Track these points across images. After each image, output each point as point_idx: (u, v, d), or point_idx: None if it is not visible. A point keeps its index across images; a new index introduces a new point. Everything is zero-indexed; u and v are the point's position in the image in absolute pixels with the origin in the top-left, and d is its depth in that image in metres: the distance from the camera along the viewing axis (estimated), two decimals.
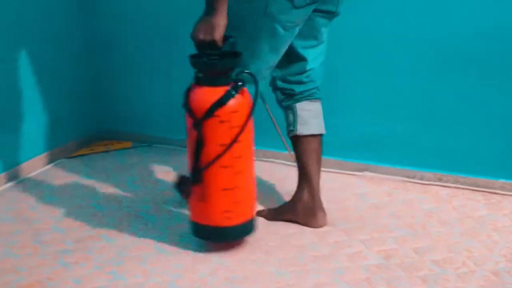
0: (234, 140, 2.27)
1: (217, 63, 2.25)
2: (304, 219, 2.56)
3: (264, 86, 2.48)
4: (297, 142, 2.57)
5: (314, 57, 2.52)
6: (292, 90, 2.55)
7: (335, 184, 2.87)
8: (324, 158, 2.96)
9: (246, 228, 2.40)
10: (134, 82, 3.26)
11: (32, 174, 3.00)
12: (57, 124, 2.93)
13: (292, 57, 2.49)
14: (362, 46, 2.85)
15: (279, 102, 2.60)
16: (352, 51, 2.86)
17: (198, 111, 2.26)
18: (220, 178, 2.30)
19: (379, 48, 2.83)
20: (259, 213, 2.60)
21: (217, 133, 2.27)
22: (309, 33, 2.47)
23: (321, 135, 2.58)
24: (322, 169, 2.96)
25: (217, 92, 2.26)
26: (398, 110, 2.88)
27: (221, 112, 2.25)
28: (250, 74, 2.30)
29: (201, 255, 2.39)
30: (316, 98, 2.58)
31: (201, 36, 2.21)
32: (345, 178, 2.92)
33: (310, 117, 2.56)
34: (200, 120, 2.26)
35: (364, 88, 2.90)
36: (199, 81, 2.30)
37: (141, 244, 2.47)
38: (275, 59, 2.42)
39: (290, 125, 2.57)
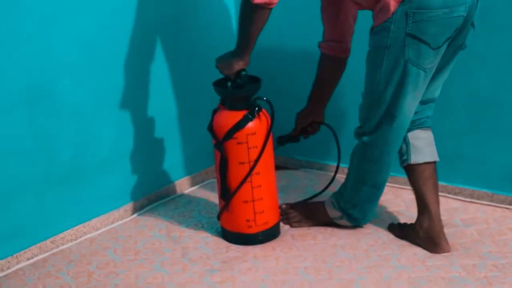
0: (257, 159, 2.53)
1: (235, 90, 2.52)
2: (426, 246, 2.55)
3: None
4: (411, 171, 2.57)
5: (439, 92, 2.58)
6: None
7: (487, 217, 2.76)
8: (473, 189, 2.87)
9: (267, 235, 2.63)
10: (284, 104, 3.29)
11: (184, 192, 3.09)
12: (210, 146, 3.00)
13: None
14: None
15: None
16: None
17: (219, 133, 2.53)
18: (241, 192, 2.55)
19: None
20: (389, 227, 2.68)
21: (236, 153, 2.53)
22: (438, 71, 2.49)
23: (435, 162, 2.57)
24: (473, 200, 2.87)
25: (236, 116, 2.52)
26: None
27: (238, 134, 2.49)
28: (267, 100, 2.53)
29: (345, 284, 2.37)
30: (427, 127, 2.59)
31: (220, 67, 2.52)
32: (496, 212, 2.80)
33: (423, 146, 2.56)
34: (221, 142, 2.51)
35: None
36: (222, 105, 2.57)
37: (286, 267, 2.48)
38: (418, 100, 2.47)
39: (404, 155, 2.57)
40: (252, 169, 2.55)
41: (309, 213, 2.74)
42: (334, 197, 2.69)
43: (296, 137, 2.86)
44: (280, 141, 2.87)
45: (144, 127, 2.90)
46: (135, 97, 2.84)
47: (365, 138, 2.53)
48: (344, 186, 2.67)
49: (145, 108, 2.89)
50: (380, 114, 2.46)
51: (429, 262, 2.47)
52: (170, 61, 2.95)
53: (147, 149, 2.93)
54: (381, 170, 2.57)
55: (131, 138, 2.87)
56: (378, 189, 2.62)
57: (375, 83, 2.44)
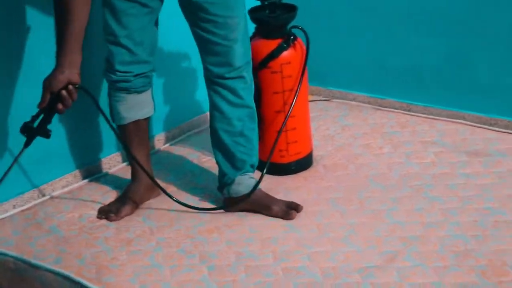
0: (297, 90, 2.51)
1: (269, 18, 2.50)
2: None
3: None
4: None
5: None
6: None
7: None
8: (509, 119, 2.81)
9: (299, 165, 2.63)
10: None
11: None
12: None
13: None
14: None
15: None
16: None
17: (254, 62, 2.45)
18: (274, 122, 2.55)
19: None
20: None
21: (271, 82, 2.52)
22: None
23: None
24: (509, 131, 2.84)
25: (270, 45, 2.50)
26: None
27: (273, 63, 2.48)
28: (302, 29, 2.48)
29: (377, 214, 2.37)
30: None
31: None
32: None
33: None
34: (255, 70, 2.46)
35: None
36: (257, 34, 2.54)
37: (318, 198, 2.48)
38: None
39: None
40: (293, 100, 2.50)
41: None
42: (248, 170, 2.44)
43: (47, 122, 2.11)
44: (25, 131, 2.11)
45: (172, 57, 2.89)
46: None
47: (249, 77, 2.36)
48: (250, 146, 2.43)
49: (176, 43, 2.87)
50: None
51: (462, 193, 2.44)
52: None
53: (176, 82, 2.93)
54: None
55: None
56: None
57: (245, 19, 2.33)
